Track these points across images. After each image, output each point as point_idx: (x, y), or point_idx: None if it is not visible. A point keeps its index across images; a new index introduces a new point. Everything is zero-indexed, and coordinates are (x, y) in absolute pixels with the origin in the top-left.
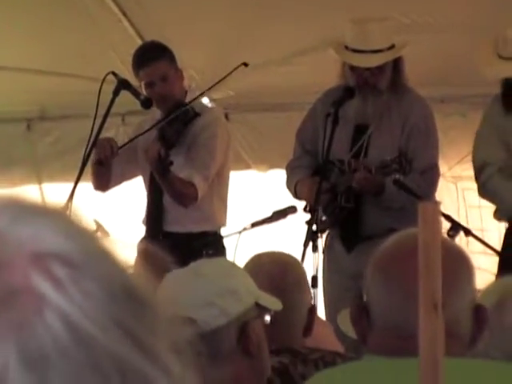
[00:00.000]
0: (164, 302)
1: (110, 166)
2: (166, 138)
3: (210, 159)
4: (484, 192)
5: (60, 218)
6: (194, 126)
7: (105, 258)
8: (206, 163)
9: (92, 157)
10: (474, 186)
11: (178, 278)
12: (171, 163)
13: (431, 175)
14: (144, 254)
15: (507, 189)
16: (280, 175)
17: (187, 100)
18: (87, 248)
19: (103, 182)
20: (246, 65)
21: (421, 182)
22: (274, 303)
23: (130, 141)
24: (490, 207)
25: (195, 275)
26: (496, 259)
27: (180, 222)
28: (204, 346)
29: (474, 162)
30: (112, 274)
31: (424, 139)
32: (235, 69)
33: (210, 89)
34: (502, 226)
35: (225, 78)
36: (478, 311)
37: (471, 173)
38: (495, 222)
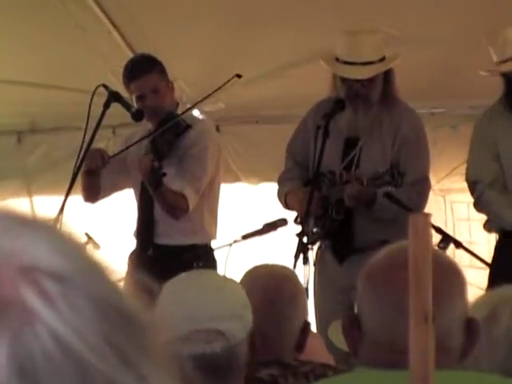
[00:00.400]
0: (178, 314)
1: (100, 176)
2: (158, 150)
3: (201, 171)
4: (479, 208)
5: (51, 232)
6: (185, 138)
7: (96, 274)
8: (197, 175)
9: (83, 168)
10: (463, 198)
11: (194, 289)
12: (164, 175)
13: (422, 187)
14: (131, 281)
15: (498, 203)
16: (271, 188)
17: (178, 112)
18: (78, 263)
19: (93, 193)
20: (239, 76)
21: (412, 194)
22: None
23: (122, 151)
24: (478, 220)
25: (215, 287)
26: (484, 273)
27: (170, 234)
28: (227, 359)
29: (466, 179)
30: (102, 290)
31: (415, 151)
32: (228, 80)
33: (203, 100)
34: (492, 239)
35: (218, 89)
36: (470, 324)
37: (460, 185)
38: (484, 234)
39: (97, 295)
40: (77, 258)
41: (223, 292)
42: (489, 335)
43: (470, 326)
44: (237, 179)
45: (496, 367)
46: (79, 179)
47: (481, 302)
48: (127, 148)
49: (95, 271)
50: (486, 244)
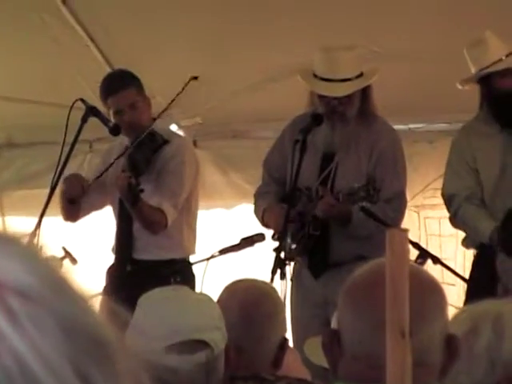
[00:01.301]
0: (159, 327)
1: (80, 202)
2: (136, 166)
3: (178, 186)
4: (455, 223)
5: (22, 249)
6: (162, 153)
7: (65, 294)
8: (175, 190)
9: (60, 186)
10: (436, 214)
11: (173, 303)
12: (142, 191)
13: (398, 203)
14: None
15: (474, 216)
16: (247, 207)
17: (155, 127)
18: (47, 282)
19: (73, 215)
20: (195, 78)
21: (388, 210)
22: None
23: (102, 173)
24: (449, 236)
25: (195, 300)
26: (453, 289)
27: (149, 249)
28: (210, 370)
29: (442, 193)
30: (71, 311)
31: (391, 167)
32: (186, 84)
33: (165, 110)
34: (460, 255)
35: (178, 95)
36: (450, 341)
37: (434, 201)
38: (454, 250)
39: (64, 316)
40: (46, 277)
41: (202, 304)
42: (469, 350)
43: (450, 343)
44: (214, 203)
45: (476, 383)
46: (56, 196)
47: (461, 317)
48: (106, 169)
49: (64, 291)
50: (453, 260)
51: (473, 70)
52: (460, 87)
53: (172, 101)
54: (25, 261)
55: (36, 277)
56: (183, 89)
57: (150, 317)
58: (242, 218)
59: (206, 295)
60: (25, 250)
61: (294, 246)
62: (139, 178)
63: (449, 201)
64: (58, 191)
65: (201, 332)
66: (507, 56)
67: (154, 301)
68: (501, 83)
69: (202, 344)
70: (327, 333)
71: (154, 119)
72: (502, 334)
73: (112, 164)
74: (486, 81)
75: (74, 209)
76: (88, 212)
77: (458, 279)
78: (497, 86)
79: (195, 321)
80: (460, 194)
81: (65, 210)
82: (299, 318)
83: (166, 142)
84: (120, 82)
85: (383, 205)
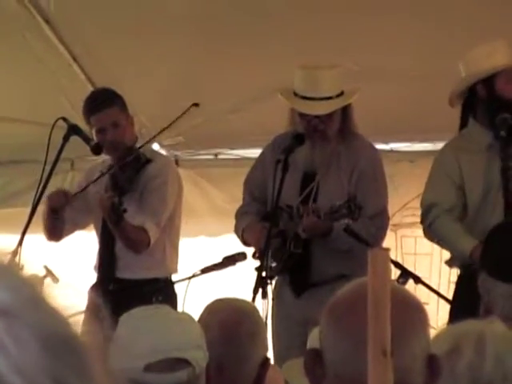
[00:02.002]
0: (141, 345)
1: (63, 215)
2: (119, 186)
3: (161, 205)
4: (430, 233)
5: None
6: (145, 173)
7: (42, 309)
8: (158, 209)
9: (42, 206)
10: (411, 232)
11: (155, 321)
12: (125, 211)
13: (380, 220)
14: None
15: (453, 230)
16: (231, 240)
17: (138, 146)
18: (24, 298)
19: (56, 233)
20: (196, 105)
21: (370, 227)
22: None
23: (84, 189)
24: (424, 254)
25: (176, 319)
26: (429, 308)
27: (131, 268)
28: None
29: (421, 203)
30: (49, 324)
31: (372, 185)
32: (187, 110)
33: (161, 132)
34: (436, 274)
35: (177, 119)
36: (432, 361)
37: (411, 219)
38: (429, 269)
39: (42, 330)
40: (24, 293)
41: (183, 323)
42: (451, 370)
43: (432, 363)
44: (194, 214)
45: None
46: (39, 214)
47: (442, 337)
48: (88, 185)
49: (42, 306)
50: (428, 279)
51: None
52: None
53: (170, 124)
54: (2, 278)
55: (12, 292)
56: (183, 114)
57: (131, 335)
58: (227, 246)
59: (186, 314)
60: (2, 268)
61: (274, 265)
62: (122, 197)
63: (427, 210)
64: (40, 210)
65: (182, 350)
66: None
67: (136, 319)
68: (505, 88)
69: (184, 362)
70: (309, 353)
71: (137, 138)
72: (483, 354)
73: (96, 180)
74: (488, 83)
75: (56, 225)
76: (71, 231)
77: (432, 298)
78: (500, 89)
79: (176, 339)
80: (441, 204)
81: (48, 228)
82: (280, 337)
83: (148, 161)
84: (103, 101)
85: (366, 221)
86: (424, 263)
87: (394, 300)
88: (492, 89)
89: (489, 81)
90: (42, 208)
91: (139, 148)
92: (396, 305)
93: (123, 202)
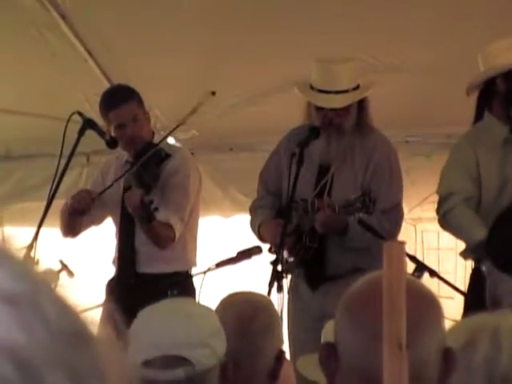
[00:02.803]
0: (146, 340)
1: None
2: (145, 183)
3: (184, 200)
4: (444, 222)
5: (10, 259)
6: (166, 168)
7: (55, 301)
8: (182, 205)
9: (57, 201)
10: (433, 227)
11: (163, 316)
12: (156, 209)
13: (395, 215)
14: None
15: (470, 219)
16: (244, 219)
17: (155, 141)
18: (36, 288)
19: (74, 231)
20: (213, 93)
21: (384, 221)
22: None
23: (109, 187)
24: (448, 249)
25: (185, 315)
26: (450, 303)
27: (152, 263)
28: None
29: (438, 192)
30: (61, 316)
31: (387, 179)
32: (204, 99)
33: (180, 125)
34: (461, 269)
35: (195, 109)
36: (447, 354)
37: (431, 214)
38: (454, 264)
39: (55, 322)
40: (34, 285)
41: (191, 320)
42: (467, 364)
43: (447, 356)
44: (210, 211)
45: None
46: (54, 208)
47: (457, 330)
48: (112, 185)
49: (56, 299)
50: (453, 273)
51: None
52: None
53: (189, 114)
54: (13, 269)
55: (22, 284)
56: (200, 104)
57: (138, 330)
58: (239, 227)
59: (204, 308)
60: (13, 260)
61: (291, 259)
62: (149, 194)
63: (445, 198)
64: (55, 204)
65: (181, 348)
66: None
67: (149, 314)
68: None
69: (182, 360)
70: (324, 346)
71: (153, 133)
72: (499, 347)
73: (120, 177)
74: (509, 77)
75: (76, 224)
76: (88, 227)
77: (457, 292)
78: None
79: (176, 336)
80: (459, 193)
81: (67, 226)
82: (296, 331)
83: (168, 155)
84: (122, 96)
85: (380, 216)
86: (448, 258)
87: (408, 293)
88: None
89: (509, 75)
90: (57, 202)
91: (159, 143)
92: (411, 298)
93: (153, 200)
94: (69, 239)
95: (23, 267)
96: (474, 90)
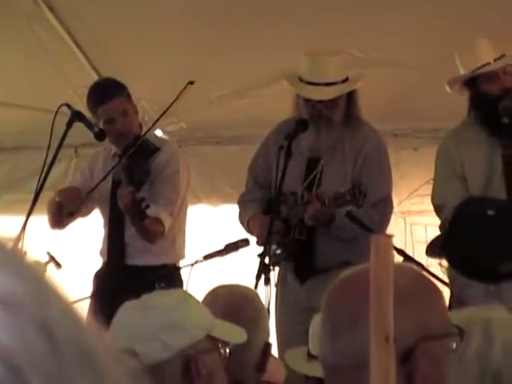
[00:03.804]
0: (111, 334)
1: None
2: (136, 179)
3: (174, 195)
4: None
5: (5, 255)
6: (155, 162)
7: (48, 300)
8: (171, 199)
9: (45, 193)
10: (422, 220)
11: (128, 310)
12: (147, 207)
13: (384, 207)
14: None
15: None
16: (232, 209)
17: (142, 133)
18: (28, 289)
19: (62, 223)
20: (191, 83)
21: (373, 214)
22: (234, 336)
23: (98, 184)
24: None
25: (143, 308)
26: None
27: (141, 255)
28: (147, 379)
29: (432, 199)
30: (54, 319)
31: (377, 171)
32: (183, 89)
33: (161, 116)
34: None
35: (175, 100)
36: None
37: (420, 207)
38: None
39: (47, 323)
40: (29, 284)
41: (148, 313)
42: (459, 357)
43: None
44: (198, 200)
45: None
46: (42, 199)
47: None
48: (100, 182)
49: (47, 298)
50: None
51: (462, 73)
52: (448, 89)
53: (169, 106)
54: (6, 266)
55: (16, 283)
56: (179, 94)
57: (113, 322)
58: (227, 217)
59: (180, 302)
60: (6, 255)
61: (279, 251)
62: (140, 189)
63: (438, 211)
64: (43, 196)
65: (129, 340)
66: (495, 60)
67: (126, 306)
68: (487, 87)
69: (132, 353)
70: None
71: (141, 126)
72: (492, 341)
73: (110, 171)
74: (473, 84)
75: (64, 218)
76: (75, 219)
77: (444, 286)
78: (483, 89)
79: (128, 329)
80: (448, 205)
81: (54, 220)
82: (284, 324)
83: (157, 149)
84: (111, 90)
85: (369, 209)
86: None
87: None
88: (477, 90)
89: (473, 83)
90: (45, 194)
91: (144, 135)
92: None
93: (145, 198)
94: (56, 231)
95: (28, 270)
96: (456, 87)
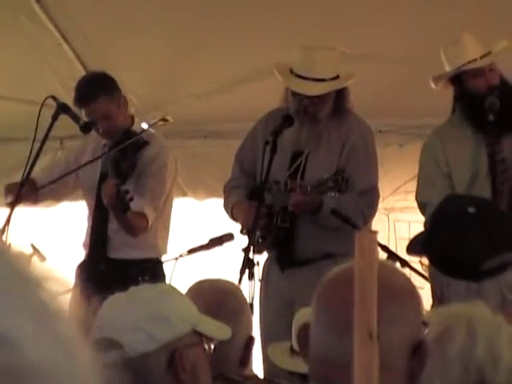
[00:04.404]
0: (97, 326)
1: (37, 198)
2: (122, 171)
3: (160, 190)
4: None
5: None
6: (143, 155)
7: (32, 287)
8: (157, 194)
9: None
10: (405, 217)
11: (113, 303)
12: (131, 199)
13: (371, 196)
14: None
15: None
16: (217, 203)
17: (134, 126)
18: (11, 277)
19: (41, 203)
20: (166, 120)
21: (360, 203)
22: (219, 331)
23: (73, 171)
24: None
25: (128, 300)
26: (423, 293)
27: (123, 249)
28: (131, 371)
29: (416, 197)
30: (38, 301)
31: (363, 160)
32: (155, 122)
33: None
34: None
35: (150, 127)
36: (419, 348)
37: (404, 204)
38: None
39: (34, 307)
40: (11, 273)
41: (132, 304)
42: (443, 354)
43: (418, 350)
44: (183, 194)
45: None
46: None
47: (432, 320)
48: (74, 171)
49: (30, 287)
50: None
51: (447, 69)
52: (433, 86)
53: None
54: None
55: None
56: (152, 125)
57: (98, 314)
58: (212, 211)
59: (163, 295)
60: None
61: (261, 240)
62: (125, 182)
63: (422, 208)
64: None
65: (113, 331)
66: (482, 57)
67: (111, 299)
68: (472, 83)
69: (116, 344)
70: (302, 331)
71: (133, 119)
72: (475, 338)
73: (91, 162)
74: (458, 81)
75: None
76: (66, 199)
77: (427, 283)
78: (468, 86)
79: (113, 320)
80: (432, 203)
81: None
82: (268, 316)
83: (145, 143)
84: (89, 94)
85: (355, 197)
86: None
87: (379, 283)
88: (462, 87)
89: (458, 80)
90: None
91: (140, 134)
92: (381, 288)
93: (129, 190)
94: (39, 218)
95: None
96: (441, 83)
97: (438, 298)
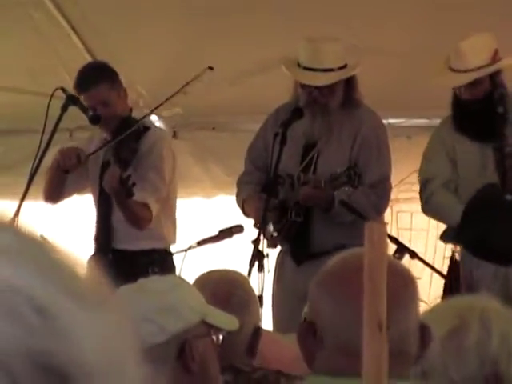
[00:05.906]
0: None
1: (67, 176)
2: (123, 158)
3: (159, 181)
4: (427, 208)
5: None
6: (142, 143)
7: (46, 280)
8: (157, 185)
9: (39, 177)
10: (408, 208)
11: (123, 294)
12: (134, 185)
13: (382, 189)
14: None
15: (449, 202)
16: (226, 198)
17: (135, 116)
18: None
19: (56, 193)
20: (211, 68)
21: (371, 195)
22: (227, 322)
23: (95, 151)
24: (420, 230)
25: (138, 291)
26: (421, 283)
27: (129, 240)
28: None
29: (419, 178)
30: (48, 297)
31: (375, 152)
32: (201, 73)
33: (174, 95)
34: (431, 250)
35: (190, 82)
36: (422, 330)
37: (407, 195)
38: (425, 245)
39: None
40: (29, 240)
41: (143, 296)
42: (459, 346)
43: (423, 332)
44: (192, 185)
45: (465, 379)
46: (36, 184)
47: (442, 312)
48: (99, 149)
49: (46, 276)
50: (423, 254)
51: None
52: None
53: (183, 86)
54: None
55: (16, 238)
56: (196, 77)
57: None
58: (221, 208)
59: (174, 286)
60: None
61: (275, 234)
62: (127, 169)
63: (423, 185)
64: (37, 181)
65: None
66: (478, 68)
67: (121, 291)
68: (466, 94)
69: None
70: (302, 325)
71: (131, 109)
72: (490, 330)
73: (95, 152)
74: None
75: (59, 185)
76: (70, 194)
77: (425, 273)
78: (462, 96)
79: None
80: (436, 179)
81: (50, 187)
82: (280, 308)
83: (146, 128)
84: (90, 80)
85: (367, 190)
86: (420, 238)
87: (388, 271)
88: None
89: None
90: (39, 179)
91: (140, 120)
92: (390, 275)
93: (131, 175)
94: (49, 209)
95: (21, 247)
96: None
97: (467, 283)
